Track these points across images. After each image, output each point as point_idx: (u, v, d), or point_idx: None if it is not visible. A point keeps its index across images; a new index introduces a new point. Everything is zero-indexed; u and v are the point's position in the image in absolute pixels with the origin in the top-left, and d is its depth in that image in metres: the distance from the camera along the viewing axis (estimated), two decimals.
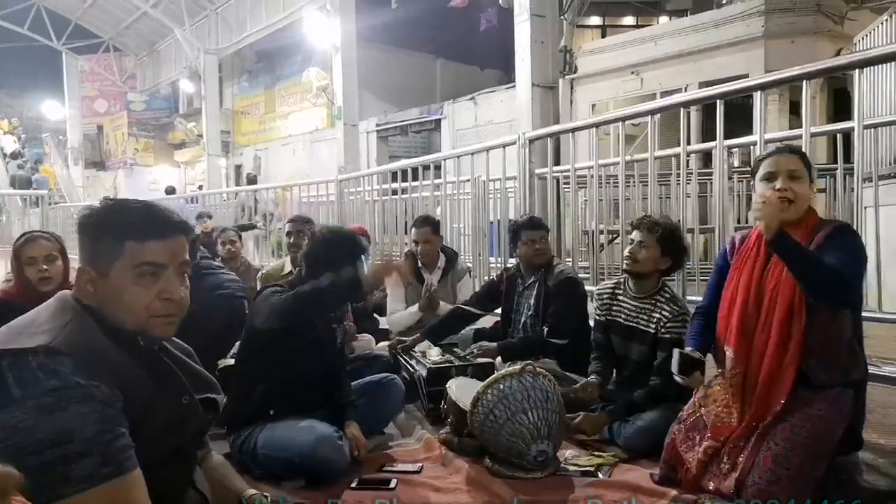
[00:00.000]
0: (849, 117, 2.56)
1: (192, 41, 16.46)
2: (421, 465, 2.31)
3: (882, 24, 5.41)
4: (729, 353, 2.01)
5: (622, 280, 2.74)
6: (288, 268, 4.10)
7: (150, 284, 1.27)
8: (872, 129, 4.15)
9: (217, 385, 1.49)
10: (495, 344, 3.17)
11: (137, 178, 21.81)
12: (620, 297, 2.70)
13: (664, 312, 2.53)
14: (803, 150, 2.22)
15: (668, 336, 2.48)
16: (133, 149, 22.47)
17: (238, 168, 20.24)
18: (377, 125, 15.70)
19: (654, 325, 2.54)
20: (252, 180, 15.22)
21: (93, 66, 22.71)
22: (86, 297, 1.28)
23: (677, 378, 2.04)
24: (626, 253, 2.60)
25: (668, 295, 2.58)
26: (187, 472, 1.41)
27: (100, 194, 20.31)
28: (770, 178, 1.98)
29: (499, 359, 3.04)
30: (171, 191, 14.15)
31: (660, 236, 2.53)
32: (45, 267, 2.54)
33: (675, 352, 2.06)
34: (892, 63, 4.45)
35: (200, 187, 16.97)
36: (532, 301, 3.22)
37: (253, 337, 2.39)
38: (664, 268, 2.60)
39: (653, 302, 2.58)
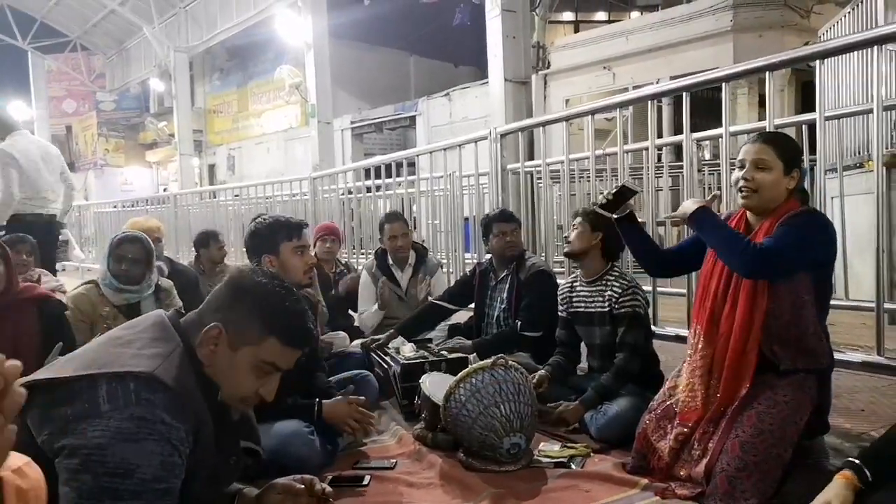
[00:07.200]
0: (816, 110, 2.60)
1: (161, 39, 16.18)
2: (395, 460, 2.31)
3: (845, 16, 5.50)
4: (699, 334, 2.05)
5: (578, 274, 2.83)
6: None
7: (259, 378, 1.32)
8: (836, 121, 4.23)
9: (258, 434, 1.49)
10: (470, 343, 3.18)
11: (109, 179, 21.44)
12: (577, 288, 2.79)
13: (614, 289, 2.62)
14: None
15: (622, 311, 2.58)
16: (103, 149, 22.06)
17: (211, 167, 20.00)
18: (352, 122, 15.62)
19: (607, 304, 2.62)
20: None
21: (60, 66, 22.23)
22: (202, 350, 1.28)
23: (600, 211, 2.28)
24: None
25: (616, 273, 2.69)
26: None
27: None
28: (741, 165, 2.00)
29: (474, 355, 3.04)
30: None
31: (582, 213, 2.73)
32: None
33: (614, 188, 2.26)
34: (854, 54, 4.53)
35: (165, 189, 16.70)
36: (505, 295, 3.23)
37: None
38: (596, 242, 2.68)
39: (603, 283, 2.68)
